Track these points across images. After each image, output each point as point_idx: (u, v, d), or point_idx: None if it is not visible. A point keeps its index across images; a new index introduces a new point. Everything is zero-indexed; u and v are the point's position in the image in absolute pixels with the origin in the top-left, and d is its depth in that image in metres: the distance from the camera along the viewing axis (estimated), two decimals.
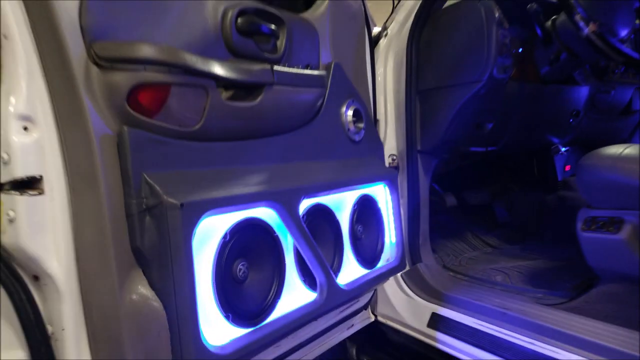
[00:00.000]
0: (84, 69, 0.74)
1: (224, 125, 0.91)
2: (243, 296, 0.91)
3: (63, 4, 0.72)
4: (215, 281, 0.84)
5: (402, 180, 1.76)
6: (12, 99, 0.71)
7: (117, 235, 0.75)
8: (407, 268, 1.73)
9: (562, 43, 1.63)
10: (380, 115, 1.75)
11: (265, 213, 0.97)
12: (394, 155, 1.75)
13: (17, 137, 0.71)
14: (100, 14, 0.75)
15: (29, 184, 0.72)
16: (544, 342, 1.24)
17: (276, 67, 1.02)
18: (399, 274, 1.69)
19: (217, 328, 0.85)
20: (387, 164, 1.75)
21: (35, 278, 0.75)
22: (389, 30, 1.77)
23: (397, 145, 1.74)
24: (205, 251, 0.85)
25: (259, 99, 0.96)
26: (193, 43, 0.91)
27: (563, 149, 2.13)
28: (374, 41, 1.77)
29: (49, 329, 0.75)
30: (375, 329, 1.74)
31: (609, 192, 1.34)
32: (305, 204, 1.10)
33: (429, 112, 1.69)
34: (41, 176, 0.73)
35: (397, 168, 1.77)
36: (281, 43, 1.12)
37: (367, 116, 1.41)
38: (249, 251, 0.93)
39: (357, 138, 1.36)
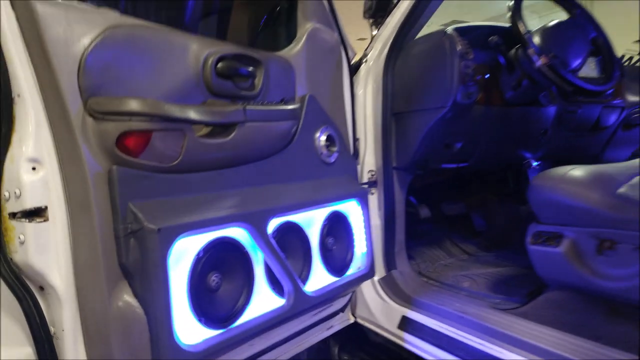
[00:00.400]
0: (81, 120, 0.90)
1: (200, 159, 1.06)
2: (215, 302, 1.06)
3: (65, 68, 0.88)
4: (190, 290, 1.00)
5: (379, 194, 1.90)
6: (24, 145, 0.88)
7: (107, 253, 0.91)
8: (384, 274, 1.87)
9: (524, 71, 1.76)
10: (361, 134, 1.89)
11: (238, 232, 1.12)
12: (372, 171, 1.89)
13: (27, 176, 0.87)
14: (94, 76, 0.91)
15: (36, 213, 0.88)
16: (492, 344, 1.38)
17: (248, 106, 1.16)
18: (376, 280, 1.84)
19: (191, 330, 1.00)
20: (366, 179, 1.89)
21: (41, 288, 0.91)
22: (368, 58, 1.91)
23: (376, 162, 1.88)
24: (181, 265, 1.00)
25: (231, 135, 1.11)
26: (176, 88, 1.06)
27: (535, 164, 2.25)
28: (356, 67, 1.92)
29: (52, 329, 0.91)
30: (357, 329, 1.88)
31: (552, 209, 1.47)
32: (276, 222, 1.25)
33: (402, 132, 1.83)
34: (46, 206, 0.89)
35: (375, 182, 1.91)
36: (258, 81, 1.27)
37: (340, 140, 1.55)
38: (221, 265, 1.08)
39: (330, 160, 1.50)
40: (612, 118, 2.35)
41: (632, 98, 2.39)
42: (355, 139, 1.81)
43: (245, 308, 1.12)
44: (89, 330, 0.92)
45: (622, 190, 1.34)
